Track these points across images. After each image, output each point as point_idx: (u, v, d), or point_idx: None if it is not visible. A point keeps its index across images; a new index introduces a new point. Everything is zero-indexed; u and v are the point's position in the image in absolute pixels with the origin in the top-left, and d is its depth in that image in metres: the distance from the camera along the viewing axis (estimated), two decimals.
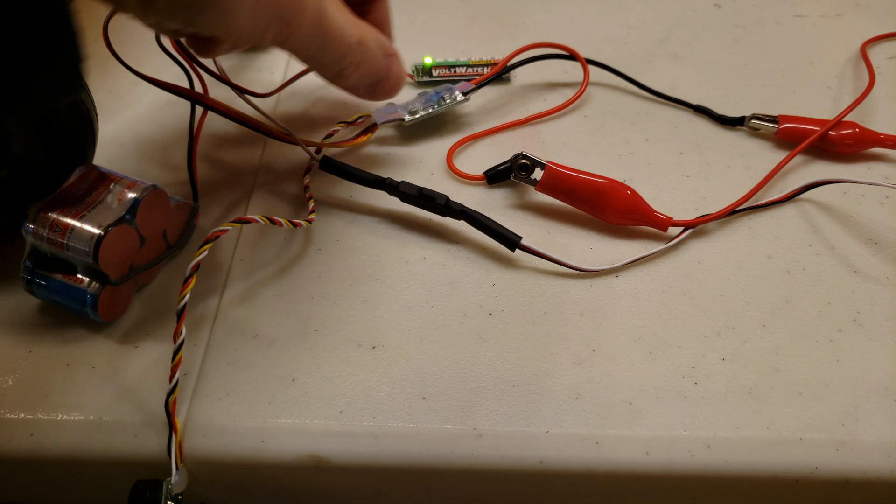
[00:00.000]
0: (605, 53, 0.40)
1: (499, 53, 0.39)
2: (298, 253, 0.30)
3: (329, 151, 0.33)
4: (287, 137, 0.31)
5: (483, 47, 0.40)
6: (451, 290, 0.29)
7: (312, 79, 0.37)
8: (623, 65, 0.38)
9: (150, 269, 0.28)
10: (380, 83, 0.29)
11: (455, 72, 0.37)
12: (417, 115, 0.34)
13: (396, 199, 0.31)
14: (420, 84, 0.37)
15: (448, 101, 0.34)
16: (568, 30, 0.42)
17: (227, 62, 0.33)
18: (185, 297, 0.24)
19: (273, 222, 0.27)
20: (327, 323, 0.28)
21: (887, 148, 0.34)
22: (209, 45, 0.27)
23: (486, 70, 0.37)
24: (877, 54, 0.40)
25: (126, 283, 0.27)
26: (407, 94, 0.36)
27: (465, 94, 0.35)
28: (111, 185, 0.27)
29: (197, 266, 0.24)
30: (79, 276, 0.27)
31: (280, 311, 0.28)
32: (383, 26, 0.32)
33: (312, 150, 0.32)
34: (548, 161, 0.30)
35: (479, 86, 0.35)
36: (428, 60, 0.37)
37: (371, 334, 0.27)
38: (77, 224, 0.26)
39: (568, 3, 0.44)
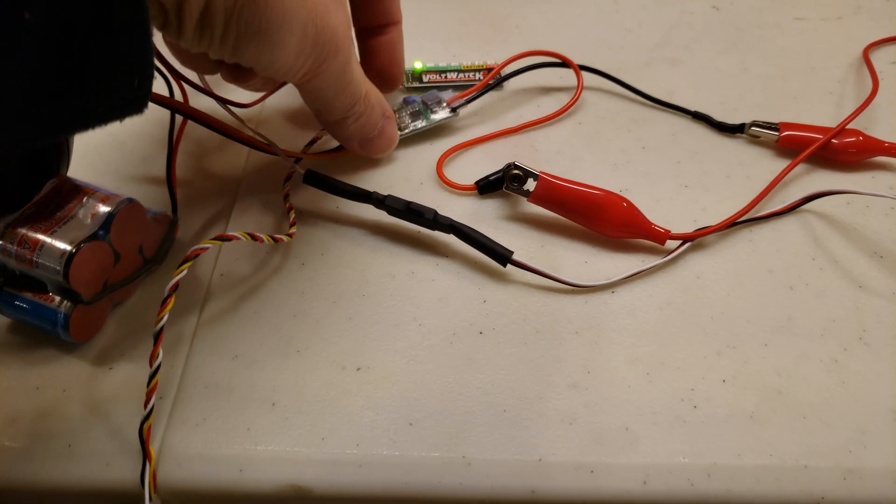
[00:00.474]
0: (601, 57, 0.39)
1: (491, 57, 0.38)
2: (281, 268, 0.29)
3: (314, 160, 0.32)
4: (268, 148, 0.30)
5: (475, 51, 0.39)
6: (441, 307, 0.28)
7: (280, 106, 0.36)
8: (619, 70, 0.37)
9: (125, 286, 0.27)
10: (373, 140, 0.30)
11: (446, 77, 0.36)
12: (406, 132, 0.33)
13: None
14: (409, 90, 0.36)
15: (438, 115, 0.33)
16: (563, 33, 0.41)
17: None
18: (162, 319, 0.23)
19: (254, 238, 0.26)
20: (310, 343, 0.26)
21: (892, 156, 0.33)
22: (242, 76, 0.28)
23: (477, 75, 0.36)
24: (879, 59, 0.39)
25: (100, 301, 0.26)
26: (392, 98, 0.35)
27: (454, 109, 0.33)
28: (84, 199, 0.26)
29: (175, 286, 0.23)
30: (50, 294, 0.25)
31: (261, 329, 0.27)
32: (395, 50, 0.32)
33: (292, 159, 0.30)
34: (541, 171, 0.29)
35: (469, 99, 0.34)
36: (418, 65, 0.36)
37: (356, 355, 0.26)
38: (47, 240, 0.25)
39: (563, 6, 0.43)
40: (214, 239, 0.24)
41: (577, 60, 0.36)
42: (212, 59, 0.26)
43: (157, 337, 0.22)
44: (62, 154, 0.28)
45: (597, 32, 0.41)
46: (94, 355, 0.26)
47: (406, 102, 0.33)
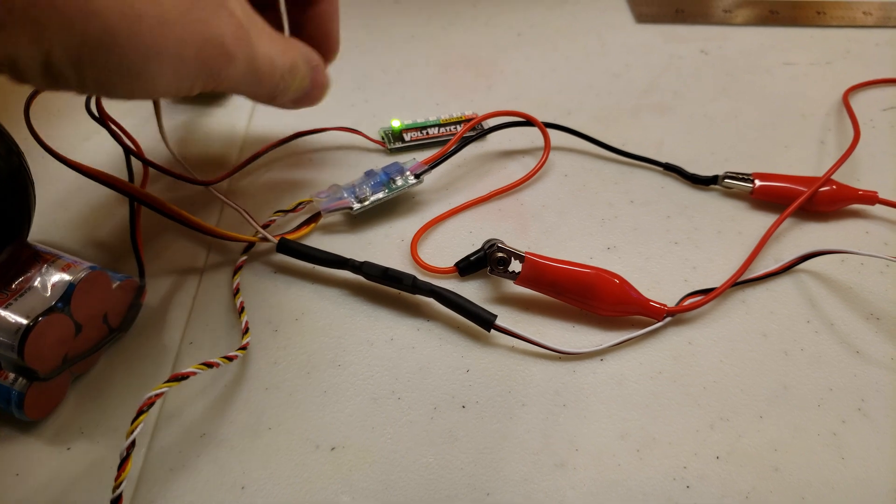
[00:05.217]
0: (588, 104, 0.38)
1: (474, 105, 0.37)
2: (253, 336, 0.27)
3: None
4: (223, 234, 0.28)
5: (459, 98, 0.38)
6: (421, 378, 0.26)
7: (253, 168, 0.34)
8: (606, 118, 0.36)
9: (88, 357, 0.26)
10: (305, 96, 0.28)
11: (427, 133, 0.35)
12: (367, 203, 0.31)
13: None
14: (393, 151, 0.35)
15: (399, 183, 0.31)
16: (549, 78, 0.40)
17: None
18: (120, 485, 0.20)
19: (210, 365, 0.24)
20: (282, 419, 0.25)
21: (867, 204, 0.32)
22: None
23: (458, 128, 0.35)
24: (870, 105, 0.39)
25: (59, 375, 0.25)
26: (352, 174, 0.33)
27: (417, 175, 0.31)
28: (44, 268, 0.25)
29: (132, 444, 0.20)
30: (3, 370, 0.24)
31: (231, 405, 0.25)
32: (328, 21, 0.30)
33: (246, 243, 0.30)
34: (526, 252, 0.28)
35: (432, 166, 0.32)
36: (396, 124, 0.35)
37: (330, 432, 0.25)
38: (1, 313, 0.23)
39: (549, 49, 0.42)
40: (169, 381, 0.22)
41: (563, 107, 0.35)
42: None
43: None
44: (23, 216, 0.27)
45: (583, 77, 0.40)
46: (51, 434, 0.25)
47: (368, 176, 0.32)
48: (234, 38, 0.22)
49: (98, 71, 0.19)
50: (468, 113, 0.36)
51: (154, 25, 0.19)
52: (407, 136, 0.34)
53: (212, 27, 0.21)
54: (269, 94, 0.26)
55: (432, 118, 0.35)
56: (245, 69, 0.23)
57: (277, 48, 0.25)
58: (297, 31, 0.30)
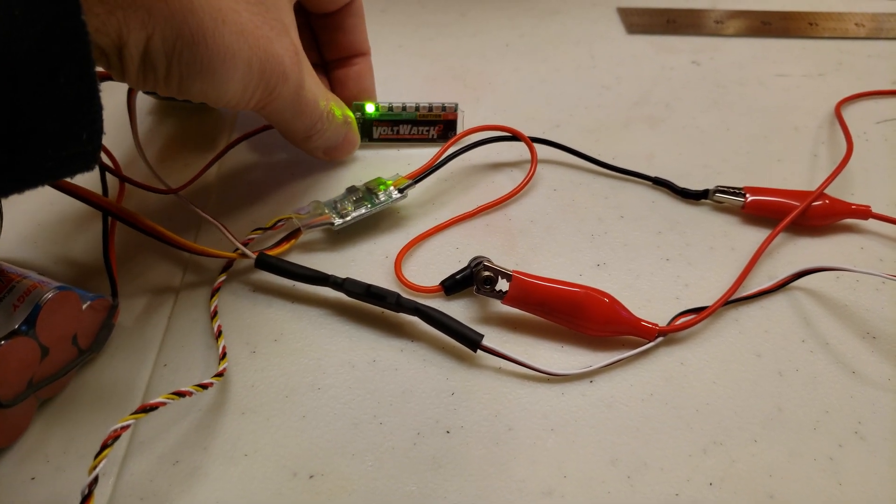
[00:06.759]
0: (577, 117, 0.37)
1: (461, 116, 0.36)
2: (230, 357, 0.26)
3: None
4: (200, 250, 0.27)
5: None
6: (404, 402, 0.25)
7: (223, 175, 0.34)
8: (597, 130, 0.36)
9: (56, 380, 0.25)
10: (336, 147, 0.31)
11: (398, 133, 0.34)
12: (349, 219, 0.30)
13: None
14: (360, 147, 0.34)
15: (382, 198, 0.30)
16: (537, 90, 0.39)
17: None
18: None
19: (182, 395, 0.23)
20: (259, 445, 0.24)
21: (860, 218, 0.32)
22: None
23: (431, 131, 0.34)
24: (863, 117, 0.38)
25: (24, 400, 0.23)
26: (335, 190, 0.32)
27: (401, 190, 0.31)
28: (9, 288, 0.24)
29: (95, 480, 0.19)
30: None
31: (206, 430, 0.24)
32: (364, 81, 0.33)
33: (228, 258, 0.29)
34: (514, 271, 0.27)
35: (416, 180, 0.31)
36: (370, 108, 0.33)
37: (308, 459, 0.24)
38: None
39: (538, 62, 0.41)
40: (137, 412, 0.21)
41: (552, 119, 0.34)
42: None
43: None
44: None
45: (573, 90, 0.39)
46: (14, 462, 0.23)
47: (349, 192, 0.31)
48: (291, 62, 0.25)
49: (183, 66, 0.22)
50: (448, 104, 0.35)
51: (234, 32, 0.23)
52: (376, 133, 0.34)
53: (276, 46, 0.25)
54: (306, 129, 0.29)
55: (410, 108, 0.34)
56: (294, 93, 0.26)
57: (321, 90, 0.29)
58: (338, 88, 0.33)
